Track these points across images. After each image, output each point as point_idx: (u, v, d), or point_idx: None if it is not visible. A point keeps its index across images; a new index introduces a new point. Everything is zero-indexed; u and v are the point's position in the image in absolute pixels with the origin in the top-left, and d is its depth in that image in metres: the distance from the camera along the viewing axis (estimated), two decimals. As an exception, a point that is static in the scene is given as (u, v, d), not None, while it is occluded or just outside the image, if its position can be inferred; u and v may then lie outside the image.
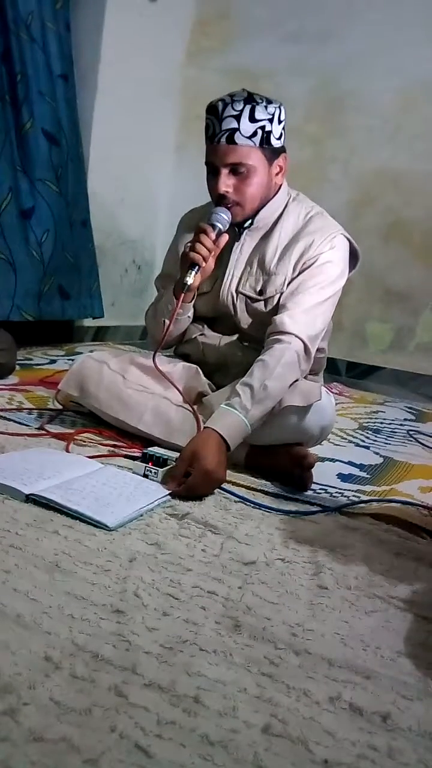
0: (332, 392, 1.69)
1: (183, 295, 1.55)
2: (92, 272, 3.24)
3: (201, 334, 1.74)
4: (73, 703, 0.67)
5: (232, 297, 1.68)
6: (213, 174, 1.57)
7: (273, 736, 0.67)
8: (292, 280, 1.62)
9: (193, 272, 1.52)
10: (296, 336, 1.53)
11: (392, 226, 3.21)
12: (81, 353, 2.49)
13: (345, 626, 0.91)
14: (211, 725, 0.67)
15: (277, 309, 1.62)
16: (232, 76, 3.51)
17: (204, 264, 1.52)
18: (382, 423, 2.39)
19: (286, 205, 1.68)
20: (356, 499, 1.46)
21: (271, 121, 1.53)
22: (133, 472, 1.40)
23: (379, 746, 0.68)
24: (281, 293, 1.62)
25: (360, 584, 1.04)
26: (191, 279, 1.52)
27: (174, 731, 0.66)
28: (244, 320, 1.68)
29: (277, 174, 1.62)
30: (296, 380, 1.54)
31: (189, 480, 1.33)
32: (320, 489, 1.52)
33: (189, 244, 1.54)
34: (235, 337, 1.70)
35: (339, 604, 0.98)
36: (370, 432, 2.21)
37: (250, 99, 1.52)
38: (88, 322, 3.46)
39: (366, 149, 3.32)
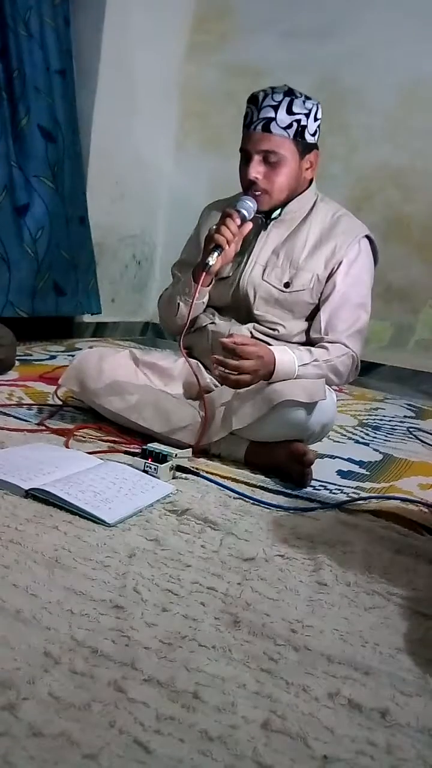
0: (332, 389, 1.69)
1: (203, 275, 1.55)
2: (89, 269, 3.23)
3: (211, 323, 1.74)
4: (72, 699, 0.67)
5: (254, 285, 1.69)
6: (245, 161, 1.62)
7: (272, 731, 0.67)
8: (328, 280, 1.68)
9: (216, 254, 1.53)
10: (354, 352, 1.68)
11: (392, 223, 3.21)
12: (81, 349, 2.49)
13: (344, 623, 0.91)
14: (210, 721, 0.67)
15: (300, 305, 1.69)
16: (232, 73, 3.51)
17: (227, 247, 1.54)
18: (381, 420, 2.39)
19: (314, 203, 1.73)
20: (356, 496, 1.46)
21: (307, 116, 1.58)
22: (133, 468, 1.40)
23: (378, 742, 0.68)
24: (309, 290, 1.68)
25: (359, 581, 1.04)
26: (213, 260, 1.53)
27: (173, 726, 0.66)
28: (261, 308, 1.70)
29: (307, 169, 1.67)
30: (332, 381, 1.65)
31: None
32: (320, 486, 1.52)
33: (214, 227, 1.56)
34: (244, 327, 1.70)
35: (338, 600, 0.98)
36: (369, 429, 2.21)
37: (290, 93, 1.57)
38: (88, 318, 3.46)
39: (366, 146, 3.31)
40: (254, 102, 1.59)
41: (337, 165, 3.27)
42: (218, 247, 1.53)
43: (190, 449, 1.53)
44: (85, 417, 1.78)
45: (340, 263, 1.67)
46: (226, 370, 1.46)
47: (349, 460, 1.78)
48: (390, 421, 2.40)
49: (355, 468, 1.72)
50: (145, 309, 3.88)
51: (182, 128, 3.79)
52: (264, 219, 1.70)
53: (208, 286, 1.66)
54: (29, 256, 2.79)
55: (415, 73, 3.15)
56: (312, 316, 1.71)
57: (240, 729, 0.67)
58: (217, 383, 1.71)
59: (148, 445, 1.47)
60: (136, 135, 3.51)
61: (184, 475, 1.42)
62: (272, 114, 1.55)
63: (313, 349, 1.63)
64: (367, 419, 2.37)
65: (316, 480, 1.53)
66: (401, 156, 3.23)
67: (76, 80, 3.11)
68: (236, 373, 1.46)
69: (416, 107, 3.18)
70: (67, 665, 0.73)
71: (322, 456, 1.72)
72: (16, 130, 2.77)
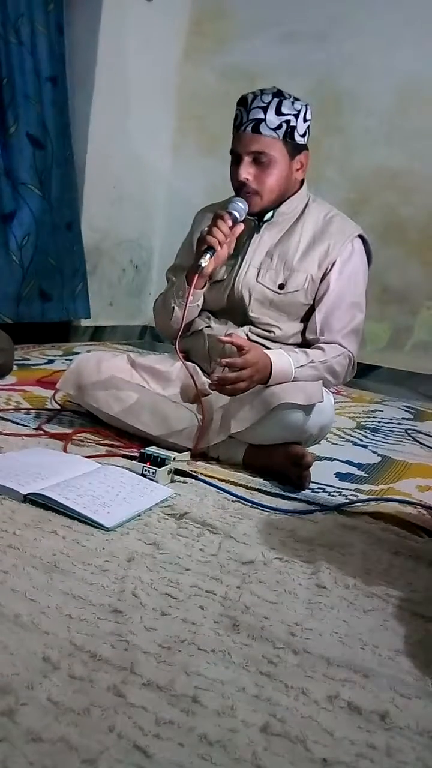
0: (330, 391, 1.69)
1: (196, 278, 1.56)
2: (77, 274, 3.24)
3: (207, 327, 1.74)
4: (71, 703, 0.67)
5: (249, 287, 1.69)
6: (236, 162, 1.63)
7: (272, 735, 0.67)
8: (322, 280, 1.68)
9: (208, 256, 1.53)
10: (350, 352, 1.68)
11: (389, 225, 3.21)
12: (78, 353, 2.48)
13: (343, 625, 0.91)
14: (209, 725, 0.67)
15: (295, 307, 1.69)
16: (229, 76, 3.52)
17: (219, 248, 1.54)
18: (380, 422, 2.39)
19: (306, 204, 1.74)
20: (354, 498, 1.46)
21: (296, 117, 1.59)
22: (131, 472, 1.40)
23: (378, 745, 0.68)
24: (304, 290, 1.68)
25: (358, 583, 1.04)
26: (205, 262, 1.53)
27: (172, 731, 0.66)
28: (257, 310, 1.70)
29: (297, 170, 1.67)
30: (329, 382, 1.65)
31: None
32: (318, 488, 1.51)
33: (206, 229, 1.57)
34: (240, 330, 1.70)
35: (337, 603, 0.98)
36: (368, 431, 2.21)
37: (279, 94, 1.58)
38: (86, 322, 3.46)
39: (363, 148, 3.32)
40: (244, 104, 1.60)
41: (333, 167, 3.28)
42: (210, 248, 1.53)
43: (189, 452, 1.53)
44: (83, 421, 1.77)
45: (334, 263, 1.67)
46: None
47: (348, 462, 1.78)
48: (388, 423, 2.40)
49: (354, 470, 1.72)
50: (143, 313, 3.89)
51: (179, 131, 3.80)
52: (257, 221, 1.71)
53: (202, 288, 1.66)
54: (14, 263, 2.82)
55: (412, 75, 3.16)
56: (307, 317, 1.71)
57: (239, 733, 0.67)
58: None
59: (147, 448, 1.47)
60: (134, 138, 3.52)
61: (182, 479, 1.42)
62: (261, 115, 1.56)
63: (308, 350, 1.64)
64: (365, 421, 2.37)
65: (314, 482, 1.53)
66: (398, 158, 3.24)
67: (72, 84, 3.12)
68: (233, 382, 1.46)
69: (413, 109, 3.19)
70: (66, 670, 0.72)
71: (320, 458, 1.72)
72: (4, 137, 2.79)
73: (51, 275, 3.04)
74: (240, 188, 1.62)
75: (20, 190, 2.83)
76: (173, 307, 1.69)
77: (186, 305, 1.61)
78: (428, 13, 3.10)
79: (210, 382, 1.70)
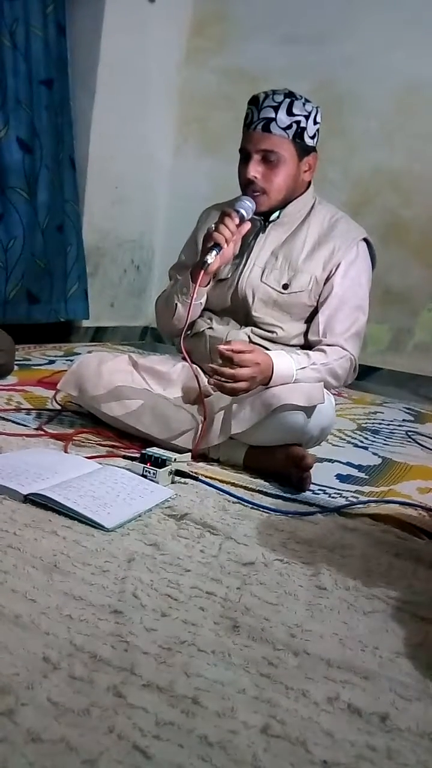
0: (331, 393, 1.69)
1: (202, 274, 1.55)
2: (68, 276, 3.24)
3: (209, 328, 1.74)
4: (71, 704, 0.67)
5: (253, 287, 1.69)
6: (244, 160, 1.64)
7: (272, 736, 0.67)
8: (326, 282, 1.69)
9: (214, 252, 1.53)
10: (352, 355, 1.69)
11: (390, 227, 3.21)
12: (79, 353, 2.49)
13: (343, 627, 0.91)
14: (209, 726, 0.67)
15: (298, 307, 1.70)
16: (230, 77, 3.53)
17: (225, 246, 1.54)
18: (380, 424, 2.39)
19: (313, 206, 1.75)
20: (355, 500, 1.46)
21: (307, 118, 1.60)
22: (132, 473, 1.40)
23: (378, 747, 0.68)
24: (308, 291, 1.69)
25: (358, 585, 1.04)
26: (212, 258, 1.53)
27: (172, 732, 0.66)
28: (260, 310, 1.71)
29: (305, 171, 1.68)
30: (332, 384, 1.66)
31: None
32: (319, 490, 1.51)
33: (213, 226, 1.57)
34: (242, 332, 1.70)
35: (337, 604, 0.98)
36: (368, 433, 2.21)
37: (291, 95, 1.59)
38: (87, 323, 3.46)
39: (364, 150, 3.32)
40: (255, 103, 1.60)
41: (335, 169, 3.28)
42: (217, 245, 1.53)
43: (189, 453, 1.53)
44: (84, 422, 1.77)
45: (338, 265, 1.68)
46: (222, 379, 1.46)
47: (348, 464, 1.78)
48: (389, 424, 2.40)
49: (354, 472, 1.72)
50: (144, 313, 3.89)
51: (181, 132, 3.80)
52: (263, 221, 1.71)
53: (206, 286, 1.66)
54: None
55: (412, 77, 3.16)
56: (310, 319, 1.72)
57: (239, 734, 0.67)
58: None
59: (147, 449, 1.47)
60: (135, 139, 3.52)
61: (183, 480, 1.42)
62: (272, 114, 1.57)
63: (310, 352, 1.64)
64: (366, 423, 2.37)
65: (315, 484, 1.53)
66: (399, 160, 3.24)
67: (73, 85, 3.12)
68: (232, 381, 1.46)
69: (413, 111, 3.19)
70: (66, 670, 0.72)
71: (321, 460, 1.72)
72: None
73: (39, 277, 3.04)
74: (247, 186, 1.62)
75: (8, 194, 2.83)
76: (176, 305, 1.69)
77: (191, 302, 1.60)
78: (428, 14, 3.10)
79: (211, 381, 1.71)
